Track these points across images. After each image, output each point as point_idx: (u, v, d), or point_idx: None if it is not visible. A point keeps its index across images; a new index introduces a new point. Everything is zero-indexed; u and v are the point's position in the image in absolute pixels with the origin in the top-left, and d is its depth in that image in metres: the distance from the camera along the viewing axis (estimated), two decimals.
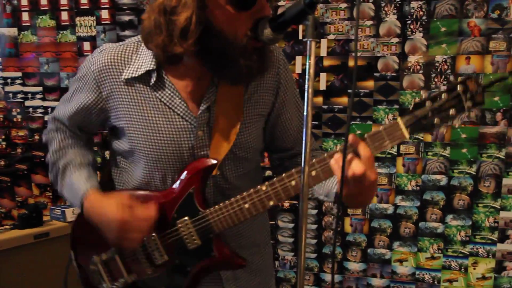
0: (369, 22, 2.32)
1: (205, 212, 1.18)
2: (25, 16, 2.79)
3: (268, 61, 1.17)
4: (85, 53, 2.73)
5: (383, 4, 2.29)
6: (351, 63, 2.37)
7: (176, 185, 1.20)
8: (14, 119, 2.89)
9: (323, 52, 2.38)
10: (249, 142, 1.25)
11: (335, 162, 1.05)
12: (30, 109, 2.86)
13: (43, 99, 2.83)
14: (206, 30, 1.05)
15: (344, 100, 2.40)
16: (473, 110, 1.05)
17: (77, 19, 2.72)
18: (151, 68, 1.15)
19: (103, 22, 2.69)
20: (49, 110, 2.83)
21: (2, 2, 2.80)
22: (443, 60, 2.26)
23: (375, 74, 2.34)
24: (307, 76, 0.90)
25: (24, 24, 2.80)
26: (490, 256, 2.35)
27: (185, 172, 1.20)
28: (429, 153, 2.34)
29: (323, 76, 2.40)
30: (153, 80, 1.16)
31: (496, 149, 2.27)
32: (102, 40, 2.69)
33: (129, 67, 1.17)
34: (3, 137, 2.91)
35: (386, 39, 2.31)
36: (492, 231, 2.33)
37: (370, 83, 2.36)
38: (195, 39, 1.05)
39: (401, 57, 2.31)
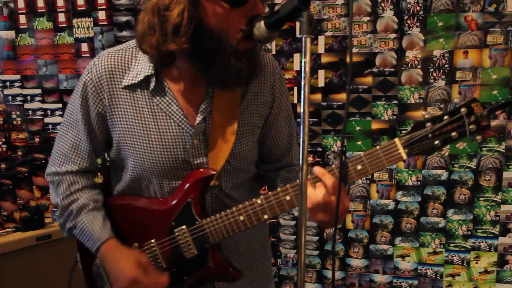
0: (366, 18, 2.34)
1: (201, 222, 1.21)
2: (22, 19, 2.83)
3: (259, 65, 1.18)
4: (83, 55, 2.77)
5: (379, 0, 2.32)
6: (349, 59, 2.39)
7: (175, 193, 1.23)
8: (14, 122, 2.93)
9: (321, 49, 2.41)
10: (244, 153, 1.27)
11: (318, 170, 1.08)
12: (30, 112, 2.90)
13: (42, 101, 2.87)
14: (198, 28, 1.07)
15: (343, 96, 2.43)
16: (478, 136, 1.01)
17: (74, 20, 2.75)
18: (149, 74, 1.17)
19: (100, 23, 2.72)
20: (48, 112, 2.87)
21: None
22: (441, 54, 2.29)
23: (373, 70, 2.37)
24: (303, 73, 0.92)
25: (21, 27, 2.83)
26: (492, 250, 2.38)
27: (185, 181, 1.22)
28: None
29: (321, 73, 2.43)
30: (152, 85, 1.18)
31: (496, 142, 2.30)
32: (99, 41, 2.73)
33: (128, 74, 1.19)
34: (4, 140, 2.96)
35: (384, 34, 2.34)
36: (494, 225, 2.36)
37: (368, 79, 2.39)
38: (188, 36, 1.06)
39: (399, 52, 2.33)
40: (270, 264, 1.50)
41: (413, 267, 2.48)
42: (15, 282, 2.33)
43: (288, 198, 1.14)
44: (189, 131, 1.20)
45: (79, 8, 2.73)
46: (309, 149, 1.53)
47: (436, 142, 1.03)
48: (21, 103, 2.90)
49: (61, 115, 2.85)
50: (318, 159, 2.47)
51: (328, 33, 2.40)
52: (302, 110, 0.92)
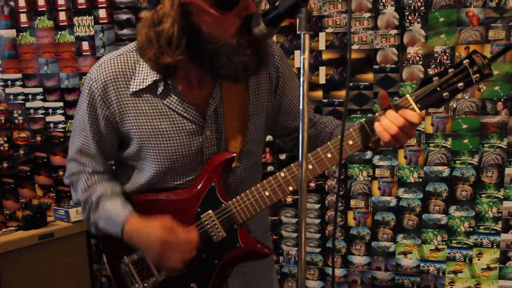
0: (367, 15, 2.37)
1: (227, 203, 1.25)
2: (23, 18, 2.86)
3: (267, 54, 1.20)
4: (83, 53, 2.80)
5: None
6: (349, 55, 2.42)
7: (198, 180, 1.27)
8: (16, 121, 2.97)
9: (322, 45, 2.43)
10: (258, 134, 1.33)
11: (379, 125, 1.13)
12: (31, 110, 2.94)
13: (44, 100, 2.91)
14: (194, 37, 1.10)
15: (344, 93, 2.46)
16: (481, 84, 1.10)
17: (75, 19, 2.79)
18: (157, 78, 1.20)
19: (101, 21, 2.75)
20: (50, 111, 2.91)
21: (0, 4, 2.87)
22: (442, 50, 2.31)
23: (374, 66, 2.39)
24: (301, 70, 0.94)
25: (22, 26, 2.87)
26: (494, 247, 2.40)
27: (206, 167, 1.27)
28: (431, 145, 2.39)
29: (322, 69, 2.46)
30: (160, 89, 1.21)
31: (498, 138, 2.32)
32: (100, 40, 2.76)
33: (134, 79, 1.22)
34: (5, 139, 3.00)
35: (385, 31, 2.36)
36: (496, 221, 2.38)
37: (369, 76, 2.41)
38: (183, 47, 1.10)
39: (400, 48, 2.35)
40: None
41: (415, 264, 2.50)
42: (18, 280, 2.37)
43: (310, 167, 1.19)
44: (201, 125, 1.25)
45: (79, 7, 2.77)
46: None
47: (445, 94, 1.11)
48: (22, 102, 2.94)
49: (63, 114, 2.89)
50: None
51: (329, 30, 2.42)
52: (301, 107, 0.94)
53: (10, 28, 2.89)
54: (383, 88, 2.40)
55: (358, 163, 2.49)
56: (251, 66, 1.15)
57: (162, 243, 1.21)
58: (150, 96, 1.23)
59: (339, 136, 1.15)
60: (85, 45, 2.80)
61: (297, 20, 0.96)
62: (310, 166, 1.20)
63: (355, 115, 2.44)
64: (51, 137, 2.92)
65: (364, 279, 2.58)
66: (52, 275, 2.50)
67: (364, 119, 1.19)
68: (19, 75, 2.92)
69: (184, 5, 1.08)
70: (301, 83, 0.95)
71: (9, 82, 2.95)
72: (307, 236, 2.58)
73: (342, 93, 2.46)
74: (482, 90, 1.11)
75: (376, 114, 1.16)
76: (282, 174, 1.23)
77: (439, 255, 2.47)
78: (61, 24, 2.81)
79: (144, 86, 1.21)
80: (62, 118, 2.89)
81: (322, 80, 2.47)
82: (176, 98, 1.23)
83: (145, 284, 1.30)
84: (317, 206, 2.57)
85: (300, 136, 0.96)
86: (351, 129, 1.19)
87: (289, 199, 2.60)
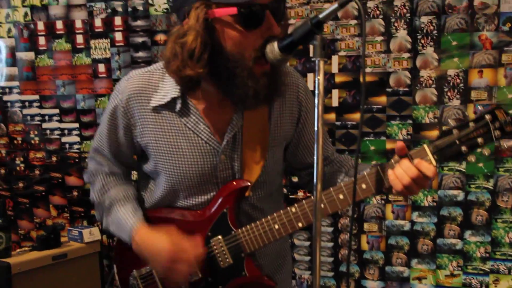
0: (380, 38, 2.43)
1: (237, 231, 1.30)
2: (41, 40, 3.00)
3: (281, 86, 1.25)
4: (99, 75, 2.91)
5: (393, 20, 2.40)
6: (362, 79, 2.48)
7: (211, 204, 1.32)
8: (32, 141, 3.08)
9: (335, 68, 2.50)
10: (275, 165, 1.37)
11: (392, 173, 1.16)
12: (48, 131, 3.05)
13: (60, 121, 3.01)
14: (215, 52, 1.15)
15: (357, 116, 2.51)
16: (503, 141, 1.11)
17: (92, 41, 2.91)
18: (176, 96, 1.27)
19: (117, 44, 2.87)
20: (66, 131, 3.01)
21: (20, 27, 3.01)
22: (456, 74, 2.35)
23: (387, 89, 2.45)
24: (316, 98, 0.99)
25: (40, 48, 3.00)
26: (511, 273, 2.40)
27: (220, 192, 1.32)
28: (445, 168, 2.42)
29: (335, 92, 2.52)
30: (178, 106, 1.28)
31: None
32: (116, 62, 2.87)
33: (156, 95, 1.29)
34: (22, 159, 3.11)
35: (397, 54, 2.42)
36: None
37: (382, 99, 2.46)
38: (204, 61, 1.14)
39: (413, 71, 2.41)
40: (290, 271, 1.57)
41: None
42: None
43: (322, 205, 1.22)
44: (216, 148, 1.29)
45: (96, 30, 2.89)
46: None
47: (463, 148, 1.12)
48: (39, 122, 3.05)
49: (78, 135, 2.99)
50: None
51: (342, 53, 2.49)
52: (316, 130, 0.99)
53: (29, 50, 3.03)
54: (396, 111, 2.45)
55: None
56: (261, 96, 1.20)
57: (169, 254, 1.25)
58: (168, 113, 1.29)
59: (352, 178, 1.19)
60: (101, 67, 2.91)
61: (312, 46, 1.00)
62: (322, 205, 1.22)
63: (368, 138, 2.49)
64: (66, 157, 3.03)
65: None
66: None
67: (379, 163, 1.22)
68: (37, 97, 3.04)
69: (209, 20, 1.13)
70: (316, 109, 0.99)
71: (26, 103, 3.07)
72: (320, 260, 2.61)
73: (355, 115, 2.51)
74: (502, 148, 1.12)
75: (392, 160, 1.19)
76: (293, 210, 1.26)
77: (455, 281, 2.47)
78: (78, 46, 2.93)
79: (163, 103, 1.28)
80: (77, 139, 3.00)
81: (335, 102, 2.53)
82: (193, 117, 1.29)
83: None
84: (330, 229, 2.61)
85: (315, 158, 0.99)
86: (365, 173, 1.22)
87: None
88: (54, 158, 3.05)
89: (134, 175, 1.56)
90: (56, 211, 3.08)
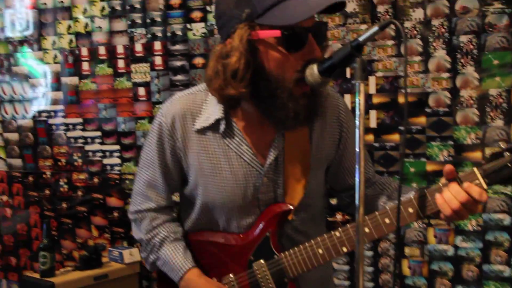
0: (418, 58, 2.45)
1: (280, 256, 1.31)
2: (85, 66, 3.18)
3: (321, 107, 1.28)
4: (140, 98, 3.05)
5: (431, 40, 2.42)
6: (401, 99, 2.50)
7: (253, 228, 1.35)
8: (75, 163, 3.25)
9: (372, 89, 2.53)
10: (317, 187, 1.39)
11: (441, 197, 1.16)
12: (90, 153, 3.21)
13: (102, 143, 3.17)
14: (257, 72, 1.19)
15: (396, 137, 2.52)
16: None
17: (133, 66, 3.06)
18: (220, 117, 1.31)
19: (156, 68, 3.01)
20: (107, 153, 3.16)
21: (65, 53, 3.21)
22: (498, 93, 2.33)
23: (426, 110, 2.45)
24: (357, 120, 1.02)
25: (84, 73, 3.18)
26: None
27: (262, 216, 1.34)
28: (489, 191, 2.38)
29: (373, 113, 2.55)
30: (222, 128, 1.32)
31: None
32: (155, 85, 3.01)
33: (200, 117, 1.34)
34: (66, 180, 3.28)
35: (436, 74, 2.43)
36: None
37: (421, 119, 2.46)
38: (247, 81, 1.19)
39: (453, 91, 2.41)
40: None
41: None
42: None
43: (367, 230, 1.23)
44: (259, 170, 1.32)
45: (137, 54, 3.04)
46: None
47: None
48: (82, 145, 3.22)
49: (119, 157, 3.14)
50: None
51: (379, 74, 2.52)
52: (357, 151, 1.01)
53: (73, 75, 3.22)
54: (437, 132, 2.44)
55: None
56: (300, 117, 1.23)
57: None
58: (212, 134, 1.33)
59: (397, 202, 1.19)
60: (141, 91, 3.05)
61: (353, 69, 1.05)
62: (367, 230, 1.22)
63: (407, 159, 2.49)
64: (108, 179, 3.17)
65: None
66: None
67: (423, 187, 1.21)
68: (80, 120, 3.22)
69: (252, 41, 1.17)
70: (357, 133, 1.02)
71: (70, 126, 3.25)
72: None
73: (394, 137, 2.52)
74: None
75: (440, 183, 1.18)
76: (337, 234, 1.26)
77: None
78: (119, 71, 3.09)
79: (207, 125, 1.32)
80: (118, 160, 3.14)
81: (373, 124, 2.55)
82: (237, 139, 1.33)
83: None
84: (370, 253, 2.61)
85: (357, 178, 1.01)
86: (411, 197, 1.21)
87: None
88: (96, 180, 3.20)
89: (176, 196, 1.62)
90: (98, 232, 3.21)
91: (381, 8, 2.50)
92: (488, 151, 2.34)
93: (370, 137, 2.56)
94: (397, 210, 1.14)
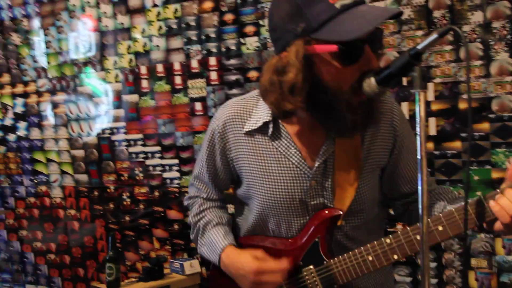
0: (478, 62, 2.35)
1: (329, 262, 1.31)
2: (144, 83, 3.28)
3: (377, 114, 1.28)
4: (196, 113, 3.11)
5: (492, 43, 2.32)
6: (462, 105, 2.40)
7: (302, 233, 1.35)
8: (137, 177, 3.34)
9: (431, 96, 2.45)
10: (368, 193, 1.37)
11: (496, 204, 1.12)
12: (150, 168, 3.29)
13: (161, 157, 3.25)
14: (313, 85, 1.20)
15: (457, 144, 2.42)
16: None
17: (189, 82, 3.13)
18: (268, 120, 1.34)
19: (212, 83, 3.06)
20: (167, 167, 3.23)
21: (125, 72, 3.33)
22: None
23: (489, 115, 2.34)
24: (417, 128, 0.99)
25: (143, 90, 3.28)
26: None
27: (311, 221, 1.34)
28: None
29: (432, 120, 2.46)
30: (270, 130, 1.35)
31: None
32: (211, 100, 3.05)
33: (250, 120, 1.38)
34: (128, 194, 3.38)
35: (499, 78, 2.32)
36: None
37: (484, 125, 2.36)
38: (304, 95, 1.19)
39: None
40: None
41: None
42: None
43: (419, 237, 1.20)
44: (307, 173, 1.33)
45: (193, 70, 3.11)
46: None
47: None
48: (143, 159, 3.31)
49: (178, 170, 3.20)
50: None
51: (437, 80, 2.44)
52: (419, 158, 0.98)
53: (133, 93, 3.32)
54: (502, 138, 2.33)
55: None
56: (358, 126, 1.24)
57: (255, 274, 1.30)
58: (261, 137, 1.37)
59: (452, 209, 1.17)
60: (198, 106, 3.11)
61: (411, 77, 1.01)
62: (419, 237, 1.19)
63: (471, 167, 2.39)
64: (168, 192, 3.24)
65: None
66: None
67: (484, 194, 1.16)
68: (140, 135, 3.31)
69: (308, 56, 1.18)
70: (419, 145, 0.99)
71: (131, 142, 3.35)
72: None
73: (455, 144, 2.43)
74: None
75: (498, 189, 1.14)
76: (388, 241, 1.25)
77: None
78: (176, 87, 3.17)
79: (256, 127, 1.36)
80: (177, 174, 3.20)
81: (432, 131, 2.47)
82: (285, 141, 1.34)
83: None
84: (434, 264, 2.51)
85: (420, 186, 0.98)
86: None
87: None
88: (156, 193, 3.28)
89: (231, 209, 1.65)
90: (159, 244, 3.28)
91: (437, 13, 2.42)
92: None
93: (430, 145, 2.47)
94: (464, 218, 1.09)
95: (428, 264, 0.99)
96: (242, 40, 2.94)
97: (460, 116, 2.40)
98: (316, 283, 1.32)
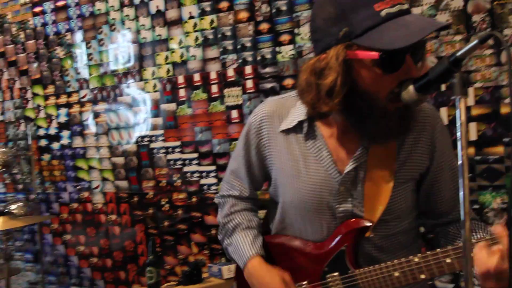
0: None
1: (354, 272, 1.26)
2: (181, 92, 3.27)
3: (412, 122, 1.22)
4: (233, 121, 3.07)
5: None
6: (504, 110, 2.29)
7: (330, 239, 1.31)
8: (175, 184, 3.33)
9: (471, 101, 2.35)
10: (399, 205, 1.30)
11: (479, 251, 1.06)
12: (188, 174, 3.27)
13: (199, 164, 3.22)
14: (351, 89, 1.16)
15: (499, 149, 2.31)
16: None
17: (225, 90, 3.09)
18: (302, 119, 1.31)
19: (247, 91, 3.01)
20: (204, 174, 3.21)
21: (163, 82, 3.32)
22: None
23: None
24: (458, 133, 0.94)
25: (181, 99, 3.27)
26: None
27: (339, 229, 1.30)
28: None
29: (472, 125, 2.35)
30: (305, 129, 1.31)
31: None
32: (247, 108, 3.01)
33: (286, 119, 1.35)
34: (167, 200, 3.37)
35: None
36: None
37: None
38: (340, 98, 1.15)
39: None
40: None
41: None
42: None
43: (448, 260, 1.14)
44: (336, 177, 1.28)
45: (229, 79, 3.07)
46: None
47: None
48: (180, 166, 3.30)
49: (215, 177, 3.17)
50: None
51: (478, 84, 2.33)
52: (460, 163, 0.93)
53: (171, 102, 3.31)
54: None
55: None
56: (392, 133, 1.19)
57: None
58: (295, 136, 1.33)
59: (479, 238, 1.12)
60: (234, 113, 3.07)
61: (450, 84, 0.96)
62: (448, 260, 1.14)
63: None
64: (205, 198, 3.21)
65: None
66: None
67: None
68: (178, 143, 3.30)
69: (348, 60, 1.14)
70: (460, 154, 0.94)
71: (170, 149, 3.34)
72: None
73: (497, 149, 2.31)
74: None
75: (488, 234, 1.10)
76: (416, 260, 1.19)
77: None
78: (213, 95, 3.14)
79: (291, 126, 1.33)
80: (214, 180, 3.17)
81: (473, 136, 2.36)
82: (318, 143, 1.30)
83: None
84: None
85: (462, 192, 0.92)
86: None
87: None
88: (194, 199, 3.25)
89: (261, 214, 1.60)
90: (197, 248, 3.25)
91: (476, 17, 2.32)
92: None
93: (471, 150, 2.36)
94: (509, 247, 0.97)
95: (472, 271, 0.93)
96: (277, 49, 2.89)
97: (502, 120, 2.29)
98: None
